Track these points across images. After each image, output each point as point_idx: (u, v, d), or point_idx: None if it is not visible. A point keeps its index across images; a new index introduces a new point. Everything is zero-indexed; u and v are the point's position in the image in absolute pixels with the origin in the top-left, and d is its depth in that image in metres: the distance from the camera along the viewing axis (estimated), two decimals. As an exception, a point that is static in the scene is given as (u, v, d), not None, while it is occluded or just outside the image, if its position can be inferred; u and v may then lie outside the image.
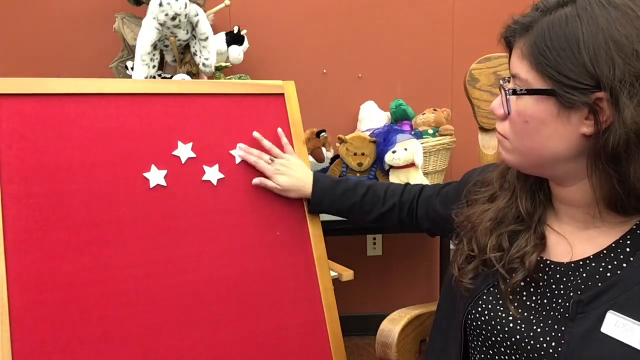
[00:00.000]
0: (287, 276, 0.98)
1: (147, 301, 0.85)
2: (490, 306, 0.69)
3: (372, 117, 1.84)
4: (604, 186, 0.60)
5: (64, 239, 0.82)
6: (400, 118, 1.80)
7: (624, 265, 0.61)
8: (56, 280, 0.80)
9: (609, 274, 0.61)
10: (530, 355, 0.63)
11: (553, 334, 0.62)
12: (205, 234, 0.92)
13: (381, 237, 2.07)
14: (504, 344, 0.67)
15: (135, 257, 0.86)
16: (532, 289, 0.67)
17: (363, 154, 1.58)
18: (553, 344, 0.62)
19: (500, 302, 0.69)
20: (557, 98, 0.58)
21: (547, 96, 0.59)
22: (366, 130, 1.71)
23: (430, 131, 1.72)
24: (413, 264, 2.11)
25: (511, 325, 0.66)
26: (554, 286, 0.65)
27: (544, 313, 0.65)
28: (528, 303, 0.67)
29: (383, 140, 1.59)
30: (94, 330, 0.80)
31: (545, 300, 0.66)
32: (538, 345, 0.63)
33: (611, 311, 0.58)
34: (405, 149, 1.53)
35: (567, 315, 0.62)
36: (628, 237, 0.62)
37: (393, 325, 0.89)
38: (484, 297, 0.70)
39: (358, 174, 1.64)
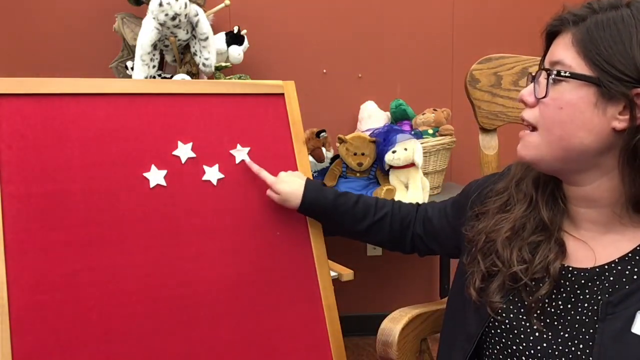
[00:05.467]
0: (287, 276, 0.98)
1: (147, 301, 0.85)
2: (512, 315, 0.68)
3: (372, 117, 1.84)
4: (635, 184, 0.61)
5: (64, 239, 0.82)
6: (400, 118, 1.80)
7: None
8: (56, 280, 0.80)
9: (635, 277, 0.62)
10: None
11: (581, 336, 0.62)
12: (205, 234, 0.92)
13: (381, 237, 2.07)
14: (526, 353, 0.66)
15: (135, 257, 0.86)
16: (555, 297, 0.66)
17: (363, 154, 1.58)
18: (581, 346, 0.62)
19: (522, 310, 0.67)
20: (599, 87, 0.59)
21: (589, 84, 0.60)
22: (366, 130, 1.71)
23: (430, 131, 1.72)
24: (413, 264, 2.10)
25: (537, 334, 0.66)
26: (578, 291, 0.65)
27: (569, 318, 0.65)
28: (552, 310, 0.66)
29: (383, 140, 1.59)
30: (94, 330, 0.80)
31: (569, 306, 0.65)
32: (567, 350, 0.63)
33: None
34: (405, 149, 1.53)
35: (595, 317, 0.62)
36: None
37: (394, 325, 0.89)
38: (504, 305, 0.69)
39: (358, 174, 1.64)
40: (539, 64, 0.70)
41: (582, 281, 0.65)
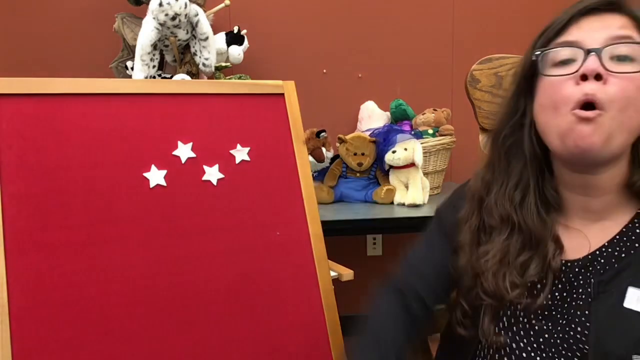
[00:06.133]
0: (287, 276, 0.98)
1: (147, 301, 0.85)
2: (509, 312, 0.69)
3: (372, 117, 1.84)
4: None
5: (64, 239, 0.82)
6: (400, 118, 1.81)
7: (637, 245, 0.64)
8: (56, 280, 0.80)
9: (624, 255, 0.64)
10: (560, 347, 0.64)
11: (577, 319, 0.63)
12: (205, 234, 0.92)
13: (381, 237, 2.07)
14: (528, 348, 0.67)
15: (135, 257, 0.86)
16: (552, 290, 0.67)
17: (363, 154, 1.58)
18: (579, 328, 0.63)
19: (520, 307, 0.68)
20: None
21: None
22: (366, 130, 1.71)
23: (430, 131, 1.72)
24: (413, 264, 2.10)
25: (537, 328, 0.66)
26: (573, 279, 0.66)
27: (565, 305, 0.65)
28: (549, 302, 0.67)
29: (383, 140, 1.59)
30: (94, 330, 0.80)
31: (565, 294, 0.66)
32: (566, 336, 0.64)
33: (631, 287, 0.61)
34: (405, 149, 1.53)
35: (590, 299, 0.63)
36: (636, 220, 0.65)
37: (393, 325, 0.89)
38: (506, 324, 0.69)
39: (358, 174, 1.64)
40: (554, 42, 0.65)
41: (577, 270, 0.66)
